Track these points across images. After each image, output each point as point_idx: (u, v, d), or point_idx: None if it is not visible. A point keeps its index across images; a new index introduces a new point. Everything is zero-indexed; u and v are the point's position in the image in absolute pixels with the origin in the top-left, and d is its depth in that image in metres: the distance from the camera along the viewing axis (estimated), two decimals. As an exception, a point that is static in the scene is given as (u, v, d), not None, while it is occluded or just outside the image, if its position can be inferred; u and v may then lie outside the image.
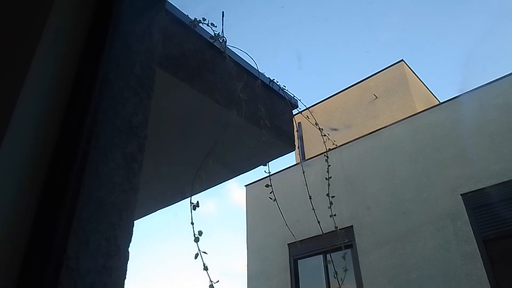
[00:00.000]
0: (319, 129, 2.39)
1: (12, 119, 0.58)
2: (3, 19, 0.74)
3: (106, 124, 0.70)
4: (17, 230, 0.53)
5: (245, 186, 8.94)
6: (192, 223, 1.52)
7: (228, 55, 1.87)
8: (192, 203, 1.51)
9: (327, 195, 3.12)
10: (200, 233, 1.51)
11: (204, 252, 1.49)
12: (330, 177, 3.54)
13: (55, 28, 0.69)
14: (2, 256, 0.51)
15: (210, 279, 1.47)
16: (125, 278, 0.62)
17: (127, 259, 0.64)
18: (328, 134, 2.59)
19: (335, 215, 3.49)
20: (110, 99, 0.72)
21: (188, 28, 1.78)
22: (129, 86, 0.78)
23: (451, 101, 6.87)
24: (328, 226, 4.13)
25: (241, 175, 2.31)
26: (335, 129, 10.33)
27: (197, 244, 1.48)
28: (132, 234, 0.65)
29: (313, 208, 3.13)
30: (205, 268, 1.49)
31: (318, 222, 3.61)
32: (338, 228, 6.98)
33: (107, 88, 0.71)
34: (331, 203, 3.12)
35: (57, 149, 0.61)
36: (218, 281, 1.51)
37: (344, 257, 5.27)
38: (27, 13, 0.73)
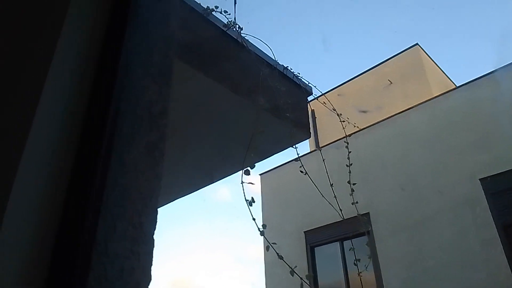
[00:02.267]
0: (338, 114, 2.38)
1: (37, 109, 0.59)
2: (25, 10, 0.75)
3: (128, 113, 0.70)
4: (48, 215, 0.55)
5: (260, 175, 8.96)
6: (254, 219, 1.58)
7: (244, 43, 1.87)
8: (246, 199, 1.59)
9: (349, 182, 3.11)
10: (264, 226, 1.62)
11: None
12: (351, 164, 3.52)
13: (75, 17, 0.70)
14: (35, 240, 0.52)
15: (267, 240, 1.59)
16: (151, 263, 0.64)
17: (153, 245, 0.65)
18: (348, 118, 2.57)
19: (357, 202, 3.49)
20: (132, 88, 0.73)
21: (202, 17, 1.77)
22: (148, 74, 0.79)
23: (467, 84, 6.73)
24: (345, 213, 4.11)
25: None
26: (364, 111, 10.18)
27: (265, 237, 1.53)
28: (156, 221, 0.67)
29: (335, 196, 3.13)
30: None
31: (340, 210, 3.62)
32: (355, 216, 6.97)
33: (128, 76, 0.72)
34: (352, 190, 3.11)
35: (83, 138, 0.63)
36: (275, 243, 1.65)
37: (368, 244, 5.25)
38: (47, 3, 0.74)
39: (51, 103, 0.63)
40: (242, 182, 1.76)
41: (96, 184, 0.58)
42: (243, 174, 1.79)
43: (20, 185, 0.54)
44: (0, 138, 0.64)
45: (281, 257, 1.44)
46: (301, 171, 2.36)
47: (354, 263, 3.88)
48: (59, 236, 0.54)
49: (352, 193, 2.78)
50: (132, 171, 0.67)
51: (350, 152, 2.86)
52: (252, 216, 1.66)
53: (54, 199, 0.56)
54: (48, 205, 0.56)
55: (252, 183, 1.81)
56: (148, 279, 0.61)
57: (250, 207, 1.76)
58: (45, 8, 0.74)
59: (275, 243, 1.56)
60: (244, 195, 1.65)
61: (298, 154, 1.99)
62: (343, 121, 2.52)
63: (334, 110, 2.42)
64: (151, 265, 0.63)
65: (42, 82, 0.63)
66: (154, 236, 0.67)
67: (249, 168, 1.82)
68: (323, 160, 3.17)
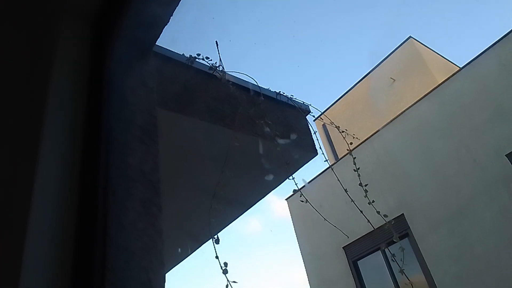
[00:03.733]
0: (336, 127, 2.40)
1: (34, 191, 0.64)
2: (10, 93, 0.82)
3: (119, 177, 0.75)
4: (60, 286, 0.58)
5: (286, 200, 8.90)
6: (217, 257, 1.56)
7: (230, 80, 1.93)
8: (213, 238, 1.57)
9: (366, 196, 3.08)
10: (226, 264, 1.56)
11: (234, 282, 1.53)
12: (359, 173, 3.50)
13: (56, 100, 0.76)
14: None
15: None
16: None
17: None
18: (346, 130, 2.57)
19: (378, 212, 3.43)
20: (119, 153, 0.77)
21: (187, 66, 1.85)
22: (134, 136, 0.84)
23: (470, 64, 6.66)
24: (379, 220, 4.05)
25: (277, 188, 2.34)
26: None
27: (226, 276, 1.52)
28: (164, 275, 0.69)
29: (360, 209, 3.10)
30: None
31: (368, 221, 3.57)
32: (389, 220, 6.82)
33: (114, 143, 0.77)
34: (372, 201, 3.07)
35: (79, 210, 0.67)
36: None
37: (402, 249, 5.12)
38: (29, 87, 0.81)
39: (47, 181, 0.67)
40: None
41: (97, 253, 0.62)
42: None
43: (28, 267, 0.58)
44: (2, 219, 0.69)
45: None
46: (301, 201, 2.36)
47: (400, 272, 3.77)
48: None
49: (372, 202, 2.73)
50: (132, 231, 0.70)
51: (357, 167, 2.85)
52: (216, 254, 1.59)
53: (61, 274, 0.60)
54: (58, 277, 0.59)
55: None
56: None
57: (215, 244, 1.67)
58: (26, 97, 0.80)
59: (235, 282, 1.47)
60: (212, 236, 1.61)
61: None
62: (342, 132, 2.52)
63: (332, 123, 2.44)
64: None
65: (34, 167, 0.68)
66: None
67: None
68: (337, 179, 3.14)
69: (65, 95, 0.77)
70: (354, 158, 2.65)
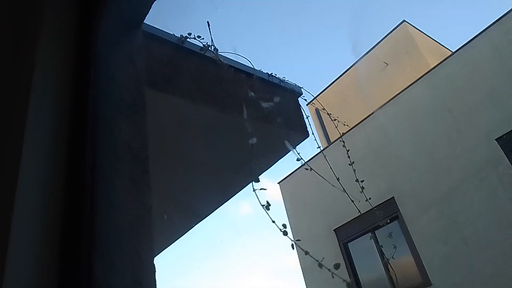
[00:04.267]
0: (328, 114, 2.40)
1: (20, 169, 0.64)
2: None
3: (107, 154, 0.74)
4: (47, 263, 0.59)
5: (278, 183, 8.96)
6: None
7: (222, 61, 1.91)
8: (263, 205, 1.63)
9: (356, 180, 3.11)
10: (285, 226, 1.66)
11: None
12: (353, 162, 3.53)
13: (41, 77, 0.75)
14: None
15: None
16: (155, 288, 0.67)
17: (154, 271, 0.68)
18: (338, 118, 2.58)
19: (370, 198, 3.48)
20: (107, 130, 0.77)
21: (178, 46, 1.83)
22: (121, 114, 0.83)
23: (462, 48, 6.67)
24: (369, 203, 4.10)
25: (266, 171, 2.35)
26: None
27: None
28: (153, 248, 0.70)
29: (347, 191, 3.13)
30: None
31: (358, 210, 3.64)
32: (380, 203, 6.89)
33: (101, 120, 0.76)
34: (362, 187, 3.10)
35: (68, 186, 0.67)
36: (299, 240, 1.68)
37: (390, 236, 5.19)
38: (13, 63, 0.79)
39: (33, 160, 0.67)
40: (254, 190, 1.77)
41: (85, 228, 0.62)
42: (254, 183, 1.81)
43: (15, 245, 0.58)
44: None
45: (307, 252, 1.45)
46: (306, 169, 2.39)
47: (388, 258, 3.85)
48: (60, 281, 0.58)
49: (362, 190, 2.76)
50: (120, 207, 0.70)
51: (349, 150, 2.87)
52: (271, 219, 1.67)
53: (49, 248, 0.60)
54: (45, 254, 0.59)
55: (264, 189, 1.82)
56: (154, 304, 0.64)
57: (267, 211, 1.76)
58: (10, 73, 0.79)
59: (299, 240, 1.58)
60: (259, 201, 1.66)
61: (298, 153, 2.01)
62: (334, 120, 2.53)
63: (324, 109, 2.44)
64: (155, 289, 0.66)
65: (20, 144, 0.67)
66: (155, 263, 0.70)
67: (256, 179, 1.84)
68: (347, 150, 3.13)
69: (51, 71, 0.76)
70: (344, 144, 2.66)
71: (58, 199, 0.65)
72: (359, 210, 3.88)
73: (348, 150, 2.84)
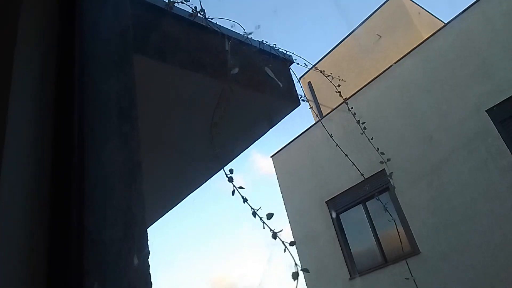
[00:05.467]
0: (321, 71, 2.39)
1: (8, 116, 0.63)
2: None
3: (96, 112, 0.74)
4: (37, 218, 0.59)
5: (271, 157, 9.01)
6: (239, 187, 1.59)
7: (212, 27, 1.88)
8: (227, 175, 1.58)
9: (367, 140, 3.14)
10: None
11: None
12: (364, 122, 3.55)
13: (26, 32, 0.73)
14: (29, 243, 0.57)
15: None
16: (147, 244, 0.68)
17: (146, 226, 0.69)
18: (331, 73, 2.57)
19: (378, 149, 3.52)
20: (94, 87, 0.76)
21: (165, 12, 1.79)
22: (110, 75, 0.82)
23: (455, 19, 6.62)
24: (362, 174, 4.15)
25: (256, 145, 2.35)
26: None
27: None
28: (144, 203, 0.70)
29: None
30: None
31: (361, 174, 3.69)
32: (371, 175, 6.96)
33: (88, 77, 0.75)
34: (371, 138, 3.13)
35: (56, 141, 0.66)
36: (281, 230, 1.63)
37: (385, 210, 5.28)
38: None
39: (19, 116, 0.66)
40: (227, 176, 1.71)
41: (76, 180, 0.62)
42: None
43: (5, 192, 0.58)
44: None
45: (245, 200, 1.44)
46: (330, 134, 2.40)
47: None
48: (51, 233, 0.58)
49: (371, 139, 2.80)
50: (110, 163, 0.70)
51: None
52: (253, 209, 1.62)
53: (39, 201, 0.60)
54: (34, 207, 0.60)
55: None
56: (147, 255, 0.65)
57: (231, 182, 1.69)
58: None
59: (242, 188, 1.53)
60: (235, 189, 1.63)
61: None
62: (328, 75, 2.52)
63: (317, 69, 2.43)
64: (147, 245, 0.68)
65: (5, 103, 0.66)
66: (146, 218, 0.71)
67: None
68: (353, 113, 3.16)
69: (36, 26, 0.74)
70: (349, 107, 2.67)
71: (47, 154, 0.65)
72: (362, 174, 3.93)
73: (355, 114, 2.89)
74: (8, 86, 0.70)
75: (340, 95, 3.21)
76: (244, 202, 1.65)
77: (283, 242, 1.58)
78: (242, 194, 1.60)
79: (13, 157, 0.64)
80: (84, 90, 0.72)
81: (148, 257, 0.65)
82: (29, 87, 0.72)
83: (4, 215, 0.56)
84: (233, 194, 1.58)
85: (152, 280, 0.64)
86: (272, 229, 1.56)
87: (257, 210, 1.57)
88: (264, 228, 1.54)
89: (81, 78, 0.72)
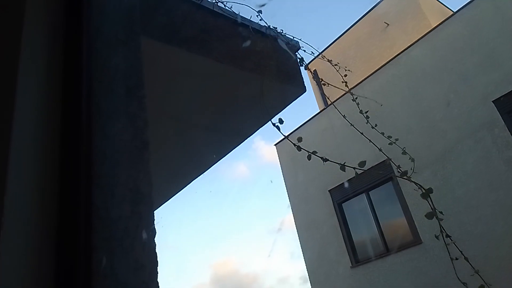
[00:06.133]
0: (329, 61, 2.37)
1: (17, 92, 0.63)
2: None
3: (103, 91, 0.74)
4: (47, 195, 0.60)
5: (275, 145, 9.01)
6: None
7: (220, 12, 1.86)
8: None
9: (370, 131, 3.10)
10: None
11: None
12: (367, 111, 3.52)
13: (34, 12, 0.73)
14: (38, 217, 0.57)
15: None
16: (153, 222, 0.68)
17: (152, 205, 0.70)
18: (338, 63, 2.55)
19: (364, 161, 3.50)
20: (102, 68, 0.76)
21: (173, -6, 1.77)
22: (117, 53, 0.82)
23: (464, 8, 6.51)
24: (367, 163, 4.14)
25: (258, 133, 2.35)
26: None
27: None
28: (151, 181, 0.71)
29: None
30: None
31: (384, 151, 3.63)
32: (375, 164, 6.96)
33: (97, 57, 0.75)
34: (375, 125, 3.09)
35: (63, 120, 0.67)
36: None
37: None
38: None
39: (28, 92, 0.66)
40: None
41: (82, 160, 0.62)
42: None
43: (14, 172, 0.59)
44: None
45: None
46: (344, 115, 2.38)
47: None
48: (60, 209, 0.59)
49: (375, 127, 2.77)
50: (118, 141, 0.71)
51: (358, 103, 2.87)
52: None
53: (47, 181, 0.61)
54: (43, 182, 0.60)
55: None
56: (153, 233, 0.66)
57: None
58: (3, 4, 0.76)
59: None
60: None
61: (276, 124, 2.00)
62: (347, 70, 2.50)
63: (329, 60, 2.41)
64: (153, 223, 0.68)
65: (14, 79, 0.66)
66: (152, 197, 0.72)
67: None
68: (357, 103, 3.12)
69: (43, 2, 0.74)
70: (353, 97, 2.66)
71: (55, 131, 0.66)
72: (380, 149, 3.86)
73: (358, 104, 2.87)
74: (17, 63, 0.70)
75: (346, 85, 3.18)
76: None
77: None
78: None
79: (22, 129, 0.64)
80: (92, 68, 0.72)
81: (155, 235, 0.66)
82: (37, 63, 0.72)
83: (14, 190, 0.57)
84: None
85: (158, 259, 0.65)
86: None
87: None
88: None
89: (89, 55, 0.72)
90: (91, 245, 0.56)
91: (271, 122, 1.68)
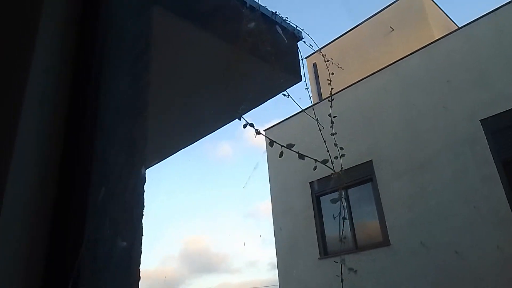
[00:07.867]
0: (323, 55, 2.44)
1: (34, 57, 0.69)
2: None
3: (113, 52, 0.81)
4: (52, 143, 0.67)
5: (264, 131, 9.09)
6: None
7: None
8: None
9: (335, 144, 3.16)
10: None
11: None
12: (335, 116, 3.59)
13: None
14: (37, 196, 0.64)
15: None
16: (144, 171, 0.76)
17: (145, 157, 0.77)
18: (332, 59, 2.62)
19: (340, 156, 3.58)
20: (114, 30, 0.82)
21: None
22: (129, 18, 0.88)
23: (468, 25, 6.62)
24: (348, 162, 4.25)
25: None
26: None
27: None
28: (146, 137, 0.79)
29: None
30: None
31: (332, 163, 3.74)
32: (358, 164, 7.05)
33: (111, 21, 0.82)
34: (341, 148, 3.17)
35: (76, 75, 0.73)
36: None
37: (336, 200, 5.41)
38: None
39: (43, 48, 0.73)
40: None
41: (90, 108, 0.70)
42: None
43: (22, 136, 0.65)
44: None
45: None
46: (316, 119, 2.43)
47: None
48: (63, 153, 0.66)
49: (341, 151, 2.81)
50: (120, 97, 0.78)
51: (339, 110, 2.93)
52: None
53: (55, 125, 0.68)
54: (50, 130, 0.67)
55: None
56: (143, 180, 0.73)
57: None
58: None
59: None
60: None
61: (289, 94, 2.06)
62: (328, 61, 2.57)
63: (323, 55, 2.48)
64: (144, 172, 0.76)
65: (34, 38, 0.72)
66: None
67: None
68: (331, 107, 3.20)
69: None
70: (331, 102, 2.75)
71: (67, 83, 0.72)
72: (333, 169, 4.00)
73: (331, 107, 2.92)
74: (35, 33, 0.75)
75: (329, 84, 3.22)
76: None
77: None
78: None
79: (36, 83, 0.70)
80: (106, 29, 0.78)
81: (144, 183, 0.74)
82: (54, 27, 0.77)
83: (23, 143, 0.64)
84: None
85: (145, 203, 0.73)
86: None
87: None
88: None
89: (103, 19, 0.78)
90: (90, 181, 0.64)
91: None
